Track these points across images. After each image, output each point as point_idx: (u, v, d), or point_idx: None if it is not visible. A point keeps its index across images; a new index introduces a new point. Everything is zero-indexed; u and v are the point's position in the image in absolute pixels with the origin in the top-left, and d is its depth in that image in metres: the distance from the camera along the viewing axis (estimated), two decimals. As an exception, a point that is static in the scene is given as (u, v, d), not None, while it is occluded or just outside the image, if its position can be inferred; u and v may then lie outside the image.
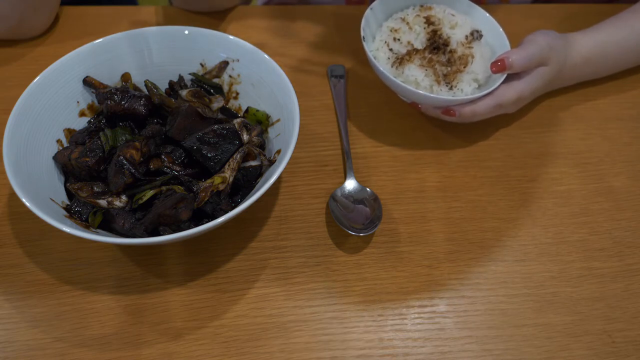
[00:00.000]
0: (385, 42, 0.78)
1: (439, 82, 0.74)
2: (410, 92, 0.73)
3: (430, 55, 0.76)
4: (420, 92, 0.72)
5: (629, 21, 0.83)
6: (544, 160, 0.79)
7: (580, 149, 0.81)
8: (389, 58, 0.77)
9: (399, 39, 0.78)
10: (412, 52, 0.76)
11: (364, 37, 0.76)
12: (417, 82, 0.74)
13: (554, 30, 0.80)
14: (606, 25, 0.83)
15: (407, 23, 0.79)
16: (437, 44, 0.77)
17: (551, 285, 0.67)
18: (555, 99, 0.86)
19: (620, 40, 0.83)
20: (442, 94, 0.74)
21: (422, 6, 0.81)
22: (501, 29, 0.80)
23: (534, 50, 0.75)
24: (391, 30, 0.79)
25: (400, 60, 0.76)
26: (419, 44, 0.78)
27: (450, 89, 0.74)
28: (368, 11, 0.79)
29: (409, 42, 0.77)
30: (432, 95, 0.73)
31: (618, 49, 0.83)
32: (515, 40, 0.80)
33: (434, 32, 0.78)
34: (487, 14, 0.81)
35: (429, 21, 0.79)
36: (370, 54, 0.75)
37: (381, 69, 0.74)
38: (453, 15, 0.80)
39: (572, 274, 0.69)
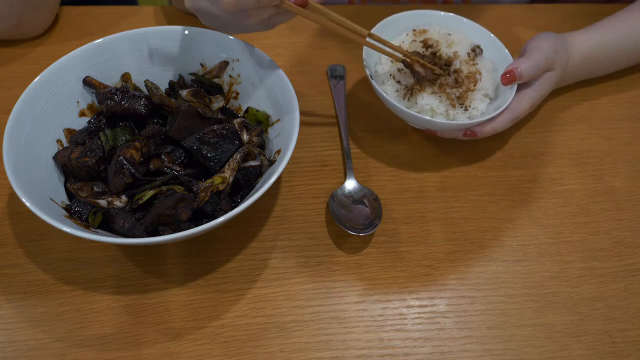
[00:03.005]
0: (391, 75, 0.77)
1: (454, 106, 0.73)
2: (430, 123, 0.72)
3: (439, 81, 0.75)
4: (443, 121, 0.72)
5: (627, 20, 0.84)
6: (544, 160, 0.79)
7: (580, 149, 0.81)
8: (397, 91, 0.76)
9: (402, 69, 0.76)
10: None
11: (370, 76, 0.74)
12: (432, 109, 0.73)
13: (552, 31, 0.80)
14: (604, 24, 0.84)
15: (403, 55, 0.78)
16: (439, 66, 0.76)
17: (551, 285, 0.67)
18: (555, 99, 0.86)
19: (618, 39, 0.83)
20: (459, 117, 0.73)
21: (414, 30, 0.80)
22: (497, 39, 0.80)
23: (540, 57, 0.75)
24: (392, 62, 0.77)
25: (411, 91, 0.74)
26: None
27: (465, 109, 0.74)
28: (365, 47, 0.76)
29: None
30: (454, 122, 0.72)
31: (617, 48, 0.84)
32: (516, 41, 0.80)
33: (434, 54, 0.77)
34: (480, 26, 0.81)
35: (426, 44, 0.78)
36: (380, 91, 0.73)
37: (398, 105, 0.72)
38: (449, 34, 0.79)
39: (572, 274, 0.69)
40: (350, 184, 0.73)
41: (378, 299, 0.66)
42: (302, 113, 0.67)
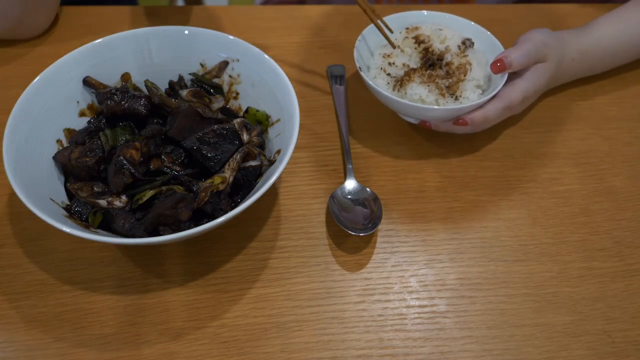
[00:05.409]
0: (382, 68, 0.78)
1: (443, 95, 0.74)
2: (418, 110, 0.73)
3: (429, 72, 0.75)
4: (430, 106, 0.72)
5: (623, 16, 0.84)
6: (544, 160, 0.79)
7: (580, 149, 0.81)
8: (388, 83, 0.77)
9: (393, 63, 0.78)
10: (410, 72, 0.76)
11: (360, 68, 0.75)
12: (422, 99, 0.74)
13: (547, 28, 0.81)
14: (602, 20, 0.84)
15: (398, 46, 0.80)
16: (431, 61, 0.77)
17: (551, 285, 0.67)
18: (555, 99, 0.86)
19: (615, 35, 0.83)
20: (449, 106, 0.73)
21: (407, 28, 0.82)
22: (487, 31, 0.81)
23: (530, 47, 0.75)
24: (384, 57, 0.79)
25: (400, 82, 0.75)
26: (413, 64, 0.78)
27: (456, 99, 0.74)
28: (358, 42, 0.78)
29: (404, 64, 0.78)
30: (442, 107, 0.72)
31: (614, 43, 0.84)
32: (514, 40, 0.80)
33: (426, 49, 0.78)
34: (472, 23, 0.82)
35: (418, 40, 0.79)
36: (369, 81, 0.74)
37: (384, 92, 0.73)
38: (441, 30, 0.80)
39: (572, 274, 0.69)
40: (350, 184, 0.73)
41: (378, 299, 0.66)
42: (302, 113, 0.67)
